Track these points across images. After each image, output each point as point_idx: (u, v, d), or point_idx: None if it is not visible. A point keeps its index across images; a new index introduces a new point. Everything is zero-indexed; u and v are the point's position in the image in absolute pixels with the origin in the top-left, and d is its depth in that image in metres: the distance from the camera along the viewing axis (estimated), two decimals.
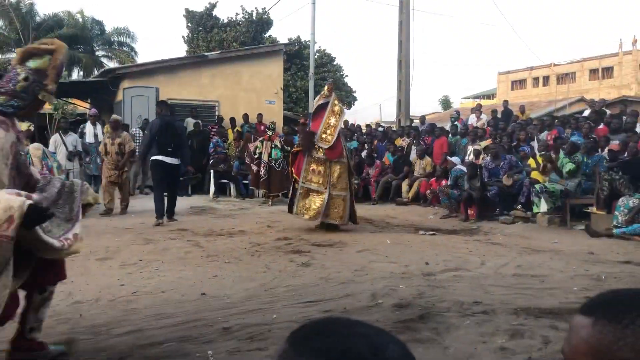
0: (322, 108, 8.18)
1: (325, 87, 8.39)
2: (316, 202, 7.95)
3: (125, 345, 3.49)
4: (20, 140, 3.01)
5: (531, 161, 10.05)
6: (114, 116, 10.96)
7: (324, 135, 8.01)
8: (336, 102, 8.35)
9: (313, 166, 8.04)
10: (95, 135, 12.55)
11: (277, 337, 3.62)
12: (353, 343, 0.67)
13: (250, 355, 3.33)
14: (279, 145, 12.30)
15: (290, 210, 8.24)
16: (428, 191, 11.57)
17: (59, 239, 2.83)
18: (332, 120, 8.09)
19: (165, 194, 9.23)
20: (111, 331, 3.76)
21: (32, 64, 2.97)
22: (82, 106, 20.03)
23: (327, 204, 7.92)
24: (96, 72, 25.79)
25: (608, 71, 37.93)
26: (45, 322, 3.95)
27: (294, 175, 8.18)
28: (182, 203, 12.22)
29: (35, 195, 2.75)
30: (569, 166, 8.77)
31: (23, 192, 2.68)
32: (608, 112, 13.27)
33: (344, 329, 0.70)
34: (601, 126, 11.39)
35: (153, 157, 9.17)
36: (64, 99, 20.66)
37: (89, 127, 12.68)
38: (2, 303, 2.55)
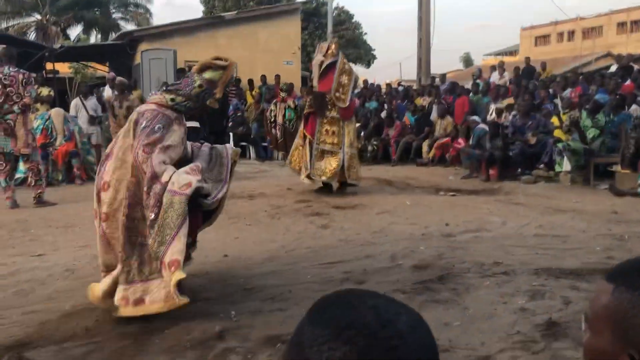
0: (330, 67, 7.88)
1: (333, 45, 8.03)
2: (332, 163, 7.81)
3: None
4: (186, 132, 3.64)
5: (554, 119, 9.87)
6: (119, 79, 10.47)
7: (337, 95, 7.80)
8: (345, 61, 8.13)
9: (326, 127, 7.85)
10: None
11: (297, 297, 3.68)
12: (362, 314, 0.68)
13: (272, 315, 3.39)
14: (292, 106, 12.24)
15: (307, 175, 7.99)
16: (447, 154, 11.46)
17: (212, 200, 3.44)
18: (344, 79, 7.88)
19: None
20: None
21: (207, 75, 3.57)
22: (101, 70, 20.07)
23: (347, 164, 7.87)
24: (113, 35, 25.75)
25: (637, 24, 36.62)
26: (71, 284, 4.07)
27: (308, 135, 7.89)
28: None
29: (199, 176, 3.32)
30: (592, 132, 8.59)
31: (193, 169, 3.33)
32: (636, 67, 12.87)
33: (357, 300, 0.70)
34: (628, 82, 11.07)
35: None
36: (83, 62, 20.71)
37: (107, 91, 12.71)
38: (183, 248, 3.16)
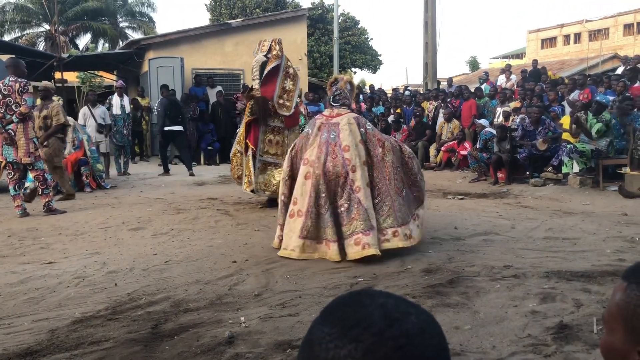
0: (274, 71, 7.11)
1: (277, 46, 7.21)
2: (275, 176, 7.08)
3: (159, 313, 3.59)
4: None
5: (563, 120, 9.81)
6: (44, 83, 9.01)
7: (280, 101, 7.12)
8: (289, 64, 7.46)
9: (270, 136, 7.21)
10: (122, 107, 12.69)
11: (307, 303, 3.67)
12: (369, 313, 0.68)
13: (282, 321, 3.39)
14: (303, 113, 12.24)
15: (251, 189, 7.23)
16: (453, 158, 11.44)
17: None
18: (288, 84, 7.20)
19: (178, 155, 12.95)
20: (146, 299, 3.86)
21: (349, 83, 5.39)
22: (109, 78, 20.19)
23: None
24: (121, 44, 25.92)
25: None
26: (81, 291, 4.09)
27: (251, 146, 7.12)
28: (211, 172, 12.38)
29: None
30: (598, 126, 8.52)
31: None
32: None
33: (367, 299, 0.70)
34: (637, 84, 11.00)
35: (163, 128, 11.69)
36: (91, 71, 20.85)
37: (115, 99, 12.81)
38: None
